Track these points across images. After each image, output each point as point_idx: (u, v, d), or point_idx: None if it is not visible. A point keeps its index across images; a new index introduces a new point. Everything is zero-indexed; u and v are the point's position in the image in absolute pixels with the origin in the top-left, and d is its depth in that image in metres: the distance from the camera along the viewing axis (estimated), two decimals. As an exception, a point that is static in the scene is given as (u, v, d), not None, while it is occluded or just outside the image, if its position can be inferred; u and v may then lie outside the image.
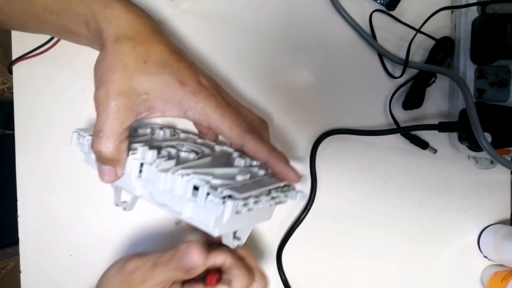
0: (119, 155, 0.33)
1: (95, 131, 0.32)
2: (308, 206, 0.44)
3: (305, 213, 0.44)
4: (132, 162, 0.33)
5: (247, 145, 0.34)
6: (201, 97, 0.33)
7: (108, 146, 0.32)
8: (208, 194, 0.29)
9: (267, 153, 0.34)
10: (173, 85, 0.33)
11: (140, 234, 0.45)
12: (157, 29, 0.35)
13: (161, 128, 0.40)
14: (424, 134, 0.45)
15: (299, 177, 0.34)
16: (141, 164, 0.33)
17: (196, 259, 0.33)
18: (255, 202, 0.30)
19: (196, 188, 0.30)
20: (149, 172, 0.32)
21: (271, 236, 0.45)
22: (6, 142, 0.73)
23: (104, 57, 0.33)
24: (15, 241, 0.45)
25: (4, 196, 0.69)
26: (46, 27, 0.39)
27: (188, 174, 0.30)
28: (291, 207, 0.45)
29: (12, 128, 0.45)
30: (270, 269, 0.44)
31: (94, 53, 0.44)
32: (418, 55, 0.45)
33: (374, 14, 0.45)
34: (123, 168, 0.33)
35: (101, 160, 0.32)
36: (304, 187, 0.44)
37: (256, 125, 0.37)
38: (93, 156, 0.34)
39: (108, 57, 0.33)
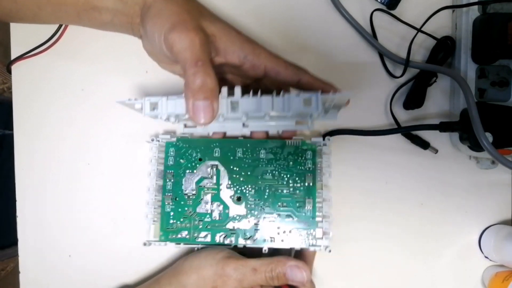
0: (217, 85, 0.31)
1: (192, 62, 0.31)
2: (309, 207, 0.44)
3: (305, 214, 0.44)
4: (222, 100, 0.33)
5: (303, 78, 0.38)
6: (256, 44, 0.38)
7: (210, 73, 0.31)
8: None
9: (322, 81, 0.38)
10: (232, 32, 0.37)
11: (139, 235, 0.45)
12: None
13: None
14: (425, 134, 0.45)
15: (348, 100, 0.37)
16: (231, 103, 0.33)
17: (305, 278, 0.36)
18: None
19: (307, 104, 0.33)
20: (247, 103, 0.33)
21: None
22: (6, 142, 0.73)
23: (162, 8, 0.33)
24: (15, 242, 0.45)
25: (3, 196, 0.68)
26: (63, 10, 0.38)
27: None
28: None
29: (12, 128, 0.45)
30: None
31: (94, 53, 0.45)
32: (419, 55, 0.45)
33: (374, 13, 0.45)
34: (218, 103, 0.32)
35: (202, 93, 0.30)
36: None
37: None
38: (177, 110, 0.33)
39: (168, 7, 0.33)
